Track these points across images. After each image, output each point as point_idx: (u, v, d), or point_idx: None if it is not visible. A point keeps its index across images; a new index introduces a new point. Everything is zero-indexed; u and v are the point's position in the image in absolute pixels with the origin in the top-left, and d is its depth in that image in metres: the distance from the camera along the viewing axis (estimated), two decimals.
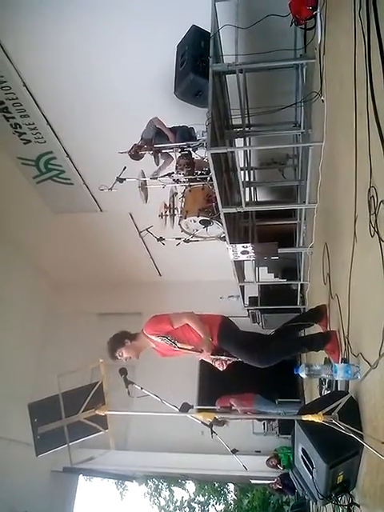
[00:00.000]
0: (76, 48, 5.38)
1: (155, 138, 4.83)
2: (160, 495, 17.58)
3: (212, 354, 3.39)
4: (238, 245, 4.93)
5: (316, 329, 4.07)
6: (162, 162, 5.07)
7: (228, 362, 3.49)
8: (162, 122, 4.89)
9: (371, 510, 2.30)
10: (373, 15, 2.04)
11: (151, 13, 4.94)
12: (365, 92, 2.17)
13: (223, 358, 3.45)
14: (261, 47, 4.22)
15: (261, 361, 3.47)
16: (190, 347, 3.43)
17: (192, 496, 17.64)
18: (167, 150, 4.91)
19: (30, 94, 5.98)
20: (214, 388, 8.60)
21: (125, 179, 4.75)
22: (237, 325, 3.71)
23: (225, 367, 3.51)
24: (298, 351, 4.22)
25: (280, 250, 5.00)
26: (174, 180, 4.79)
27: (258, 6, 4.43)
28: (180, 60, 4.69)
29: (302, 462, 2.79)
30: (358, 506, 2.56)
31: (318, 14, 3.49)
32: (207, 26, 4.25)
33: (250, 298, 7.48)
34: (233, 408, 6.94)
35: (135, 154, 4.75)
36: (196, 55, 4.49)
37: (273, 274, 7.75)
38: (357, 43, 2.36)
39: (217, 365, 3.49)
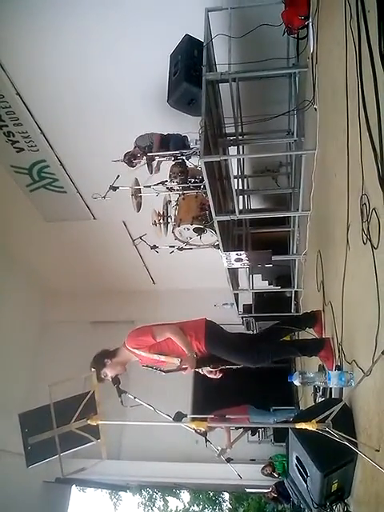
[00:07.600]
0: (69, 57, 5.40)
1: (147, 148, 4.84)
2: (154, 505, 17.39)
3: (197, 367, 3.34)
4: (231, 253, 4.93)
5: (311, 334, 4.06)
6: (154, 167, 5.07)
7: (218, 371, 3.46)
8: (159, 141, 4.85)
9: None
10: (363, 26, 2.07)
11: (145, 22, 4.98)
12: (356, 100, 2.19)
13: (210, 369, 3.42)
14: (254, 56, 4.26)
15: (253, 361, 3.43)
16: (174, 360, 3.33)
17: (187, 506, 17.48)
18: (161, 159, 4.92)
19: (24, 103, 5.98)
20: (208, 397, 8.57)
21: (118, 187, 4.75)
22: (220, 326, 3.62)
23: (217, 376, 3.48)
24: (290, 354, 4.16)
25: (274, 258, 5.01)
26: (167, 188, 4.79)
27: (250, 15, 4.47)
28: (173, 69, 4.70)
29: (297, 471, 2.77)
30: None
31: (310, 23, 3.54)
32: (200, 36, 4.28)
33: (244, 305, 7.50)
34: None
35: (130, 161, 4.75)
36: (189, 64, 4.50)
37: (267, 282, 7.76)
38: (348, 53, 2.38)
39: (207, 374, 3.47)
